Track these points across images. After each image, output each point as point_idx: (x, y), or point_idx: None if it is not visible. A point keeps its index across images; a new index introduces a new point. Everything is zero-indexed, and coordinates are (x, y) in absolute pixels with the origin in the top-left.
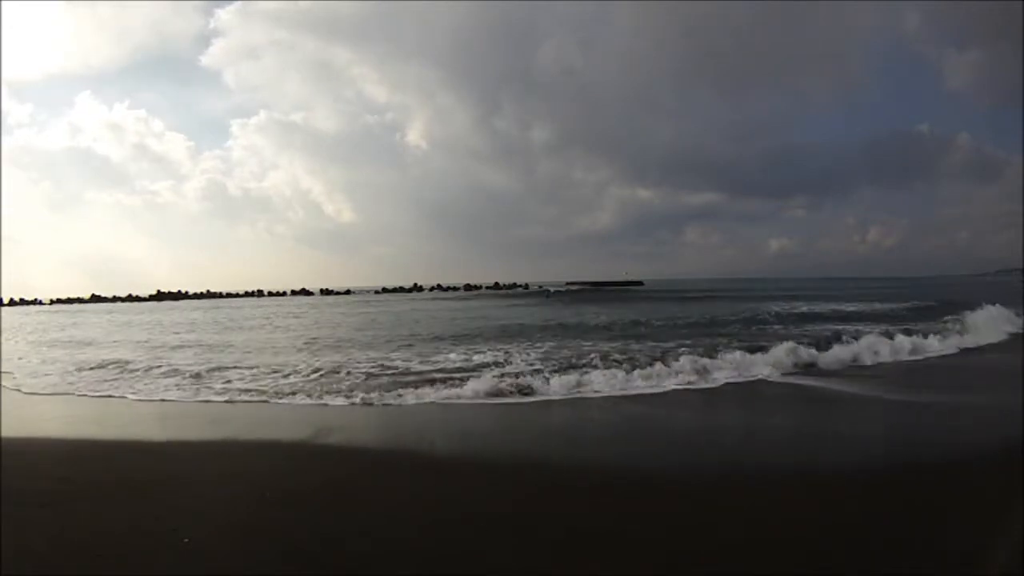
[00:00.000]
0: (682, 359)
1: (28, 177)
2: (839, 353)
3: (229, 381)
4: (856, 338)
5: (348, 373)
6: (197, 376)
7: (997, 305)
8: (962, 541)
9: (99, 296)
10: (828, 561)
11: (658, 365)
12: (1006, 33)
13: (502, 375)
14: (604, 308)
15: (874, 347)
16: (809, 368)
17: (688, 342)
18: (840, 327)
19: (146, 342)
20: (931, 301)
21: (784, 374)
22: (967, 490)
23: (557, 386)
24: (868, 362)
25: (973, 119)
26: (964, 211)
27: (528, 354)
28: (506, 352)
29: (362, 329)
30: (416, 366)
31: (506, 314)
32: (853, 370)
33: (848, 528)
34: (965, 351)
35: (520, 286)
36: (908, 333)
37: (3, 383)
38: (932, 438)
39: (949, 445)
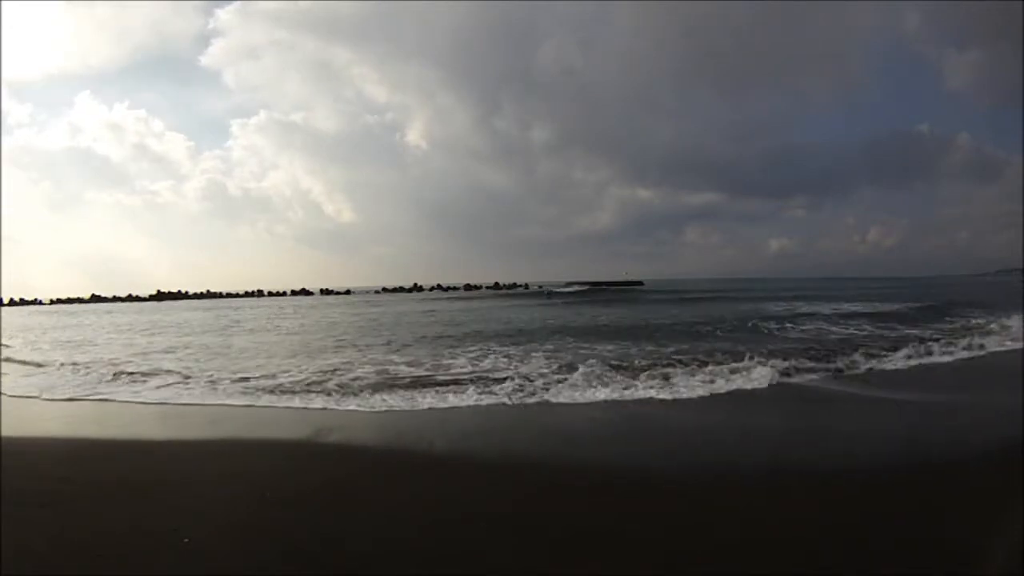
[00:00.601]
0: (678, 371)
1: (28, 177)
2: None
3: (228, 381)
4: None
5: (348, 374)
6: (196, 377)
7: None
8: (961, 541)
9: (99, 296)
10: (826, 561)
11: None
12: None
13: (504, 378)
14: (604, 309)
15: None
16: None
17: (686, 346)
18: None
19: (145, 343)
20: (932, 301)
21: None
22: (966, 490)
23: (559, 390)
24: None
25: (973, 119)
26: (964, 211)
27: (529, 356)
28: (507, 354)
29: (362, 330)
30: (416, 368)
31: (506, 315)
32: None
33: (846, 528)
34: None
35: (520, 286)
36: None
37: (1, 383)
38: (931, 438)
39: (948, 445)
